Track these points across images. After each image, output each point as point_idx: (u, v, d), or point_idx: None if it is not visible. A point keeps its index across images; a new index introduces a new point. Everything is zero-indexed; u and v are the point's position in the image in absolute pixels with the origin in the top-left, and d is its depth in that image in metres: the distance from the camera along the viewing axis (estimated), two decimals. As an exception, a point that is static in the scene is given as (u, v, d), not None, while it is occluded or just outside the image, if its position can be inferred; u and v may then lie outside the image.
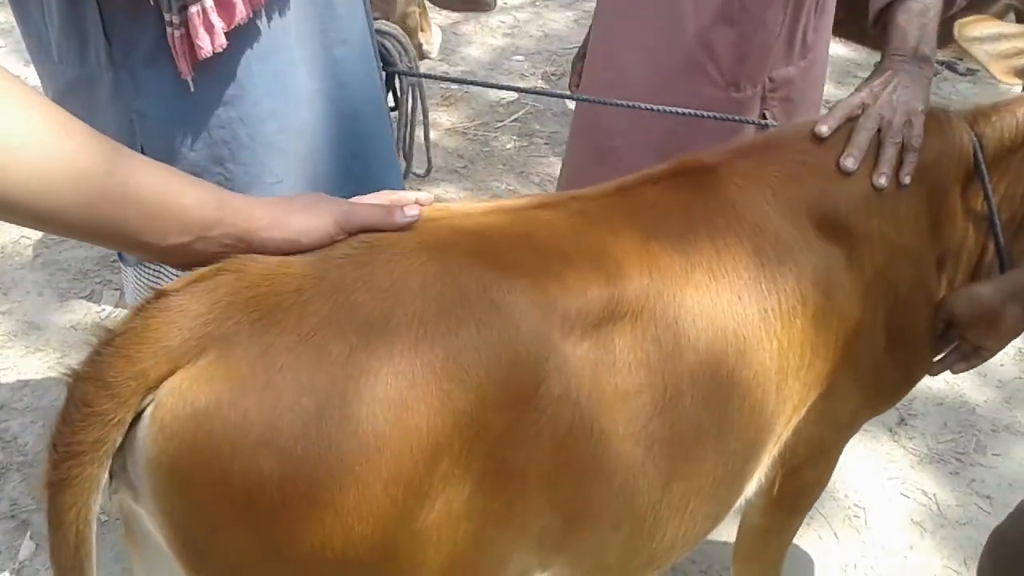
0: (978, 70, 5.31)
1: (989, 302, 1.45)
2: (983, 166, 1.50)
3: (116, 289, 3.08)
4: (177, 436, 0.88)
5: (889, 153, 1.40)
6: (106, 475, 0.91)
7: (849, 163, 1.37)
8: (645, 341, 1.13)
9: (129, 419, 0.89)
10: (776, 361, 1.28)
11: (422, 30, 2.99)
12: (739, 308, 1.24)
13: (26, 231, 3.27)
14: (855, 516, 2.52)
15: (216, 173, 1.41)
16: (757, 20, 1.80)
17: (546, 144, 4.18)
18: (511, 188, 3.89)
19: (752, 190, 1.33)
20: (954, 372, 1.59)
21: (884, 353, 1.48)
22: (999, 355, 3.22)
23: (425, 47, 3.02)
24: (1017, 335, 1.50)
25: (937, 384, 2.90)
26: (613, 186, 1.27)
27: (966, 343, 1.55)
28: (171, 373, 0.89)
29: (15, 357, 2.76)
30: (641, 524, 1.20)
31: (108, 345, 0.89)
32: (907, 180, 1.41)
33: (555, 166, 4.03)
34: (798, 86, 1.91)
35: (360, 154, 1.61)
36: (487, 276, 1.01)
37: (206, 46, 1.28)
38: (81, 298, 3.04)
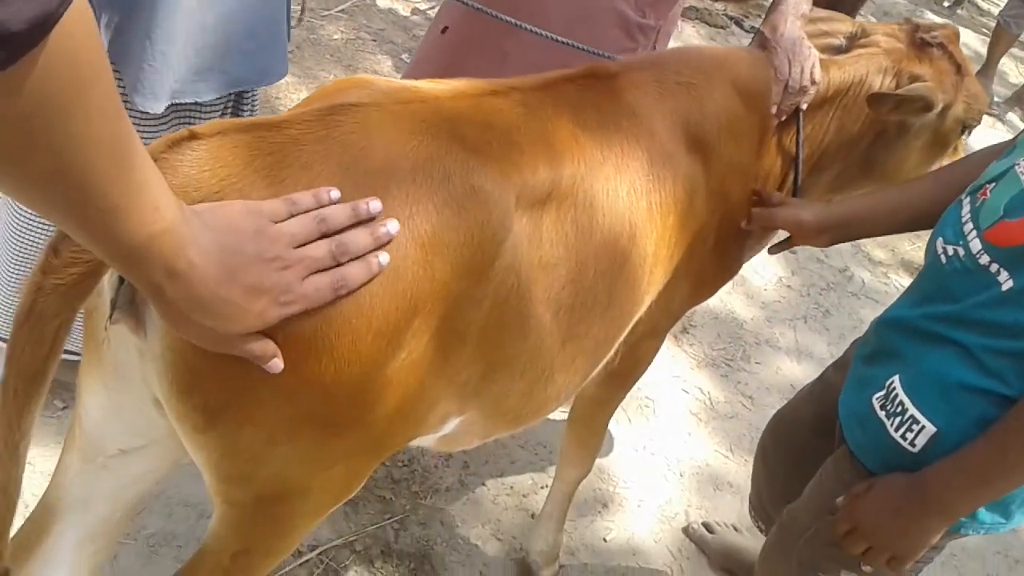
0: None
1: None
2: (801, 109, 1.77)
3: None
4: None
5: (786, 103, 1.69)
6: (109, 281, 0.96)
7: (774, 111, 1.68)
8: (566, 221, 1.31)
9: None
10: (653, 248, 1.51)
11: None
12: (634, 199, 1.44)
13: None
14: (646, 406, 2.88)
15: None
16: None
17: (373, 40, 4.19)
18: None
19: (645, 100, 1.52)
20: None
21: (711, 252, 1.74)
22: (763, 280, 3.71)
23: None
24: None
25: (713, 302, 3.31)
26: (539, 80, 1.41)
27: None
28: None
29: None
30: (539, 376, 1.39)
31: None
32: (783, 118, 1.69)
33: (382, 63, 4.06)
34: (671, 23, 2.12)
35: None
36: (468, 162, 1.13)
37: None
38: None
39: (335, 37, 4.09)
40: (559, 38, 1.86)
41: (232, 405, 1.01)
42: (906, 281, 3.93)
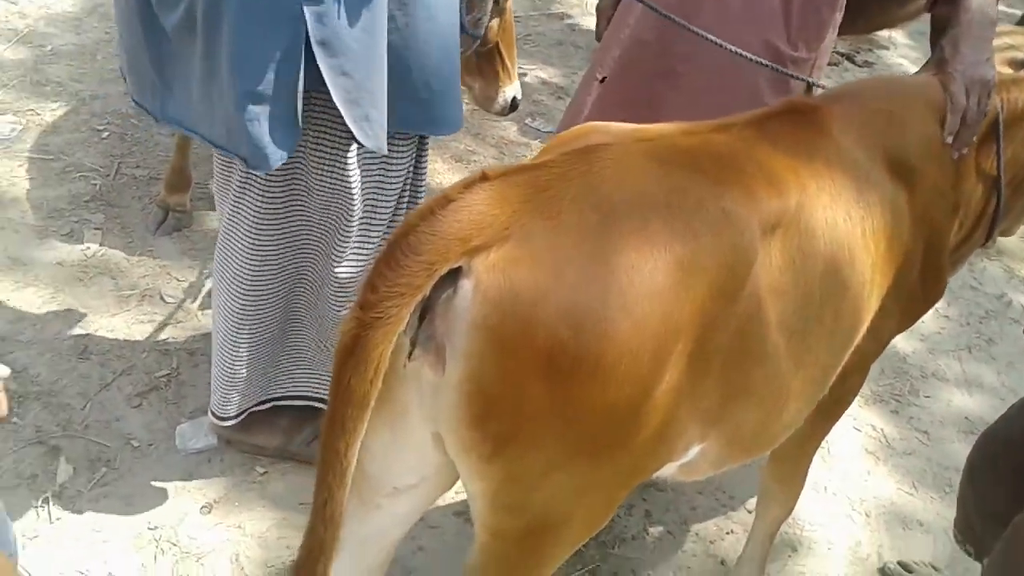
0: (875, 62, 5.82)
1: None
2: (1001, 129, 1.75)
3: (97, 228, 3.03)
4: (498, 305, 1.03)
5: (966, 135, 1.67)
6: (408, 320, 1.04)
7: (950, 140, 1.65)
8: (793, 248, 1.33)
9: (441, 275, 1.02)
10: (869, 274, 1.51)
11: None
12: (850, 226, 1.45)
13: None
14: (820, 447, 2.82)
15: None
16: None
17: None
18: (469, 149, 4.01)
19: (848, 131, 1.55)
20: None
21: (917, 279, 1.73)
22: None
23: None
24: None
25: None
26: (748, 118, 1.46)
27: None
28: (484, 250, 1.03)
29: (7, 291, 2.70)
30: (775, 404, 1.40)
31: (439, 210, 1.02)
32: (965, 151, 1.68)
33: (508, 130, 4.18)
34: (824, 56, 2.14)
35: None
36: (714, 189, 1.19)
37: None
38: (62, 235, 2.98)
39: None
40: (738, 50, 1.90)
41: (522, 432, 1.07)
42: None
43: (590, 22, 5.10)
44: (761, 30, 1.99)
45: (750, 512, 2.48)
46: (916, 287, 1.74)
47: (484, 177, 1.07)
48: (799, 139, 1.46)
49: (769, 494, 2.06)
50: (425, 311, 1.06)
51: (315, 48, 1.59)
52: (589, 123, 1.33)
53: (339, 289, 1.99)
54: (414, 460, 1.20)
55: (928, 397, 3.16)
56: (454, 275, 1.04)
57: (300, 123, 1.68)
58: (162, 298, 2.80)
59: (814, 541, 2.50)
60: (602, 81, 2.17)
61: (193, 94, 1.74)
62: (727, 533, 2.45)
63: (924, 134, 1.65)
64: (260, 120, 1.63)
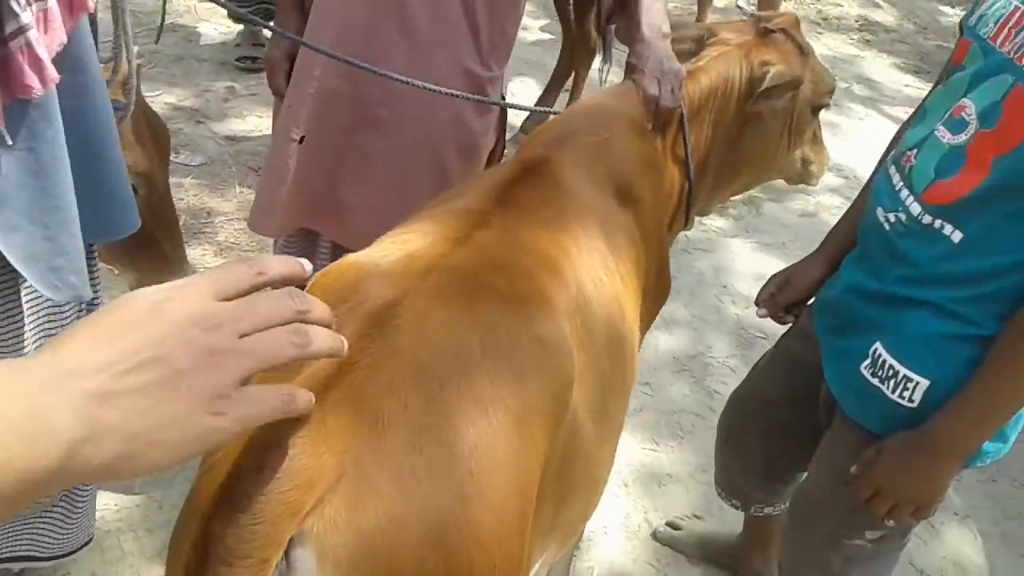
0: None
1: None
2: (686, 120, 1.83)
3: None
4: (353, 565, 0.85)
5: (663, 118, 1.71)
6: None
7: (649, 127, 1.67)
8: (581, 330, 1.27)
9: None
10: (633, 313, 1.51)
11: None
12: (612, 279, 1.42)
13: None
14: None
15: None
16: (509, 1, 1.95)
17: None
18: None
19: (577, 174, 1.51)
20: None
21: (653, 287, 1.76)
22: None
23: None
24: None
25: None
26: (493, 195, 1.35)
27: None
28: (318, 508, 0.85)
29: None
30: (592, 486, 1.35)
31: (254, 492, 0.80)
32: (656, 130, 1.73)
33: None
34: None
35: None
36: (518, 313, 1.08)
37: (35, 84, 1.11)
38: None
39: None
40: (435, 87, 1.82)
41: None
42: None
43: (207, 28, 4.69)
44: (454, 55, 1.93)
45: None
46: (653, 293, 1.77)
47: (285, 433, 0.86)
48: (546, 202, 1.40)
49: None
50: None
51: None
52: (345, 261, 1.14)
53: None
54: None
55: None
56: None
57: None
58: None
59: (591, 531, 2.56)
60: (300, 141, 1.97)
61: None
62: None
63: (635, 149, 1.66)
64: None
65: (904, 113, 5.34)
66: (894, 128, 1.87)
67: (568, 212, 1.41)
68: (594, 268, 1.38)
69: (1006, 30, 1.37)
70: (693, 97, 1.81)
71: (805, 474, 1.91)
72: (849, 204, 1.89)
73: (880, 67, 6.01)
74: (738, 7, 6.48)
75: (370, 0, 1.86)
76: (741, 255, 3.86)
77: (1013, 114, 1.32)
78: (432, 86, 1.80)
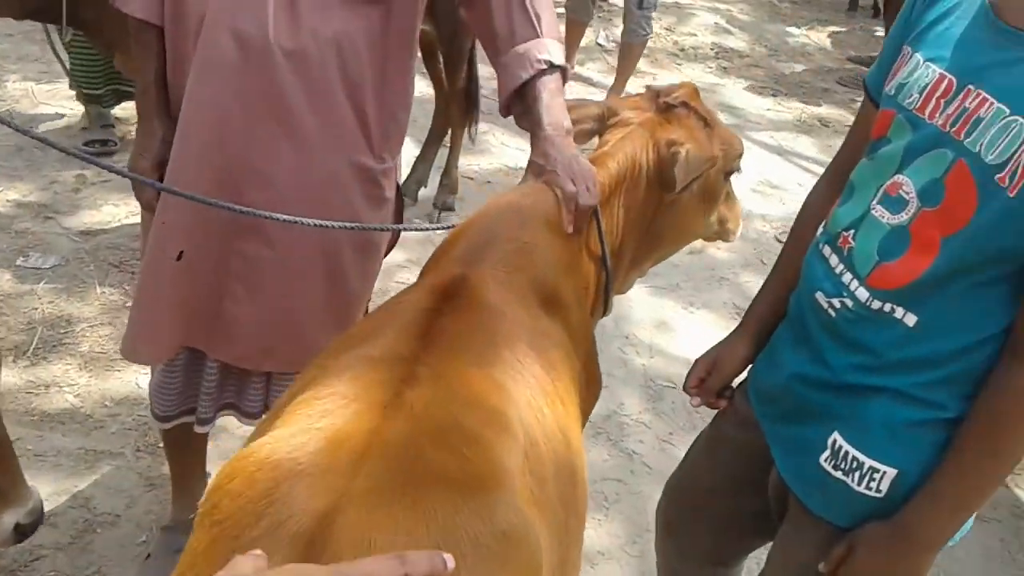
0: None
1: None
2: (599, 209, 1.72)
3: None
4: None
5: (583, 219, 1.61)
6: None
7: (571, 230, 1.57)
8: (531, 479, 1.13)
9: None
10: (575, 429, 1.38)
11: None
12: (552, 405, 1.30)
13: None
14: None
15: None
16: (400, 88, 1.83)
17: None
18: None
19: (499, 290, 1.38)
20: None
21: (585, 387, 1.65)
22: None
23: None
24: None
25: None
26: (414, 333, 1.20)
27: None
28: None
29: None
30: None
31: None
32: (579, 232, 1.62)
33: (2, 278, 3.41)
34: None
35: None
36: (474, 509, 0.94)
37: None
38: None
39: None
40: (320, 222, 1.70)
41: None
42: None
43: (49, 112, 4.33)
44: (343, 151, 1.80)
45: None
46: (586, 393, 1.66)
47: None
48: (472, 332, 1.25)
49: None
50: None
51: None
52: (253, 457, 0.95)
53: None
54: None
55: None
56: None
57: None
58: None
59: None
60: (179, 257, 1.79)
61: None
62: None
63: (556, 252, 1.56)
64: None
65: (769, 138, 5.47)
66: (762, 155, 1.84)
67: (498, 338, 1.27)
68: (535, 399, 1.25)
69: (934, 101, 1.31)
70: (603, 184, 1.72)
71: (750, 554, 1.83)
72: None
73: (739, 93, 6.14)
74: (598, 44, 6.53)
75: (245, 104, 1.69)
76: (638, 302, 3.80)
77: (958, 191, 1.26)
78: (323, 221, 1.70)
